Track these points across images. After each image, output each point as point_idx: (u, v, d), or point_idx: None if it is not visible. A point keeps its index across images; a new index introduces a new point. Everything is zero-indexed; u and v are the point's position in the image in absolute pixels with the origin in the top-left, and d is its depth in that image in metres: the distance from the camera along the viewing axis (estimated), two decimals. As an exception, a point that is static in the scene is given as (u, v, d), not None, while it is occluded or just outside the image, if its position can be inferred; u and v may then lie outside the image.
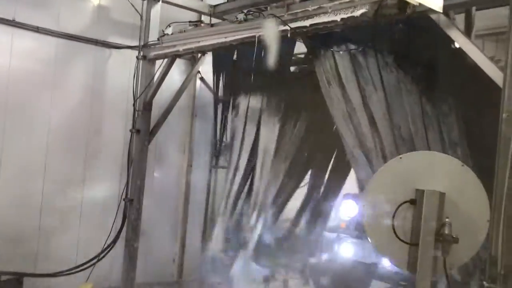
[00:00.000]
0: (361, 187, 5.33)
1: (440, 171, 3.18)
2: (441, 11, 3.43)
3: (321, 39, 4.79)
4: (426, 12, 3.67)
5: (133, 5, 6.40)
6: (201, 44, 5.43)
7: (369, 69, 4.80)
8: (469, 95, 4.53)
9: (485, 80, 3.64)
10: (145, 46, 6.34)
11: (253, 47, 4.89)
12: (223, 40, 5.04)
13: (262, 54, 5.26)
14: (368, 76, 4.81)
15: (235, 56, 6.45)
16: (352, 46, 4.79)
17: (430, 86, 4.64)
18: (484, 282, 3.25)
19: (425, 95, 4.61)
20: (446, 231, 2.95)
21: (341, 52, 4.78)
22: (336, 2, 4.19)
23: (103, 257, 6.43)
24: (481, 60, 3.58)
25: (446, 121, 4.57)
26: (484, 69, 3.53)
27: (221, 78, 6.72)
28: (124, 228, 6.42)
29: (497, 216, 3.17)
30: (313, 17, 4.33)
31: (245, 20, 4.62)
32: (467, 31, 4.98)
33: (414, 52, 4.69)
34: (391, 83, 4.66)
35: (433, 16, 3.75)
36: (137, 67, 6.40)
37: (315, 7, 4.33)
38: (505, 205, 3.16)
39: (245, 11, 4.73)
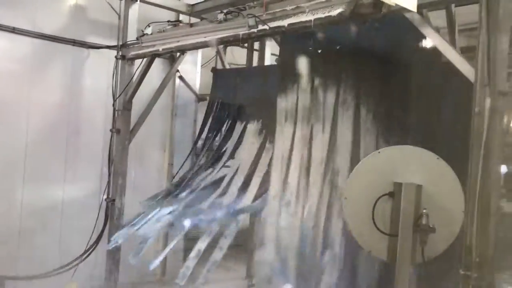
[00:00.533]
0: None
1: (416, 164, 3.31)
2: (415, 10, 3.55)
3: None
4: (400, 11, 3.78)
5: (110, 5, 6.40)
6: (181, 43, 5.46)
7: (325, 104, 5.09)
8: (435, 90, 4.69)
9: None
10: (124, 45, 6.35)
11: None
12: (202, 39, 5.10)
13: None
14: (321, 114, 5.08)
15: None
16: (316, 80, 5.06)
17: (392, 126, 4.82)
18: (460, 270, 3.39)
19: (383, 136, 4.79)
20: (424, 222, 3.07)
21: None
22: (313, 2, 4.28)
23: (86, 257, 6.43)
24: (454, 57, 3.70)
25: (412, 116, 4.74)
26: (456, 66, 3.66)
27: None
28: (107, 228, 6.43)
29: (471, 207, 3.30)
30: (291, 16, 4.42)
31: (225, 20, 4.68)
32: (450, 27, 5.11)
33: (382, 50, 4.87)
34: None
35: (407, 15, 3.86)
36: (116, 66, 6.41)
37: (293, 6, 4.41)
38: (479, 197, 3.30)
39: (224, 10, 4.78)
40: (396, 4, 3.40)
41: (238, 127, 6.44)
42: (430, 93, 4.66)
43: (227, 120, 6.75)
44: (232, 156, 6.26)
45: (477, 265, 3.30)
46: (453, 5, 4.97)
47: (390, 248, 3.21)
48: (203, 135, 7.00)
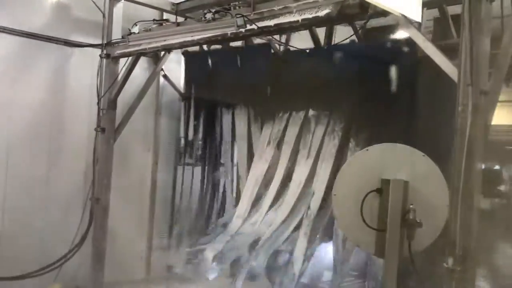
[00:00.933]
0: None
1: (403, 161, 3.42)
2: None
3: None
4: (386, 12, 3.88)
5: (95, 3, 6.35)
6: (168, 42, 5.48)
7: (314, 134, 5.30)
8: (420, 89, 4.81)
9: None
10: (109, 44, 6.33)
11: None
12: (190, 39, 5.12)
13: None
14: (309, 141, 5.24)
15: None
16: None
17: (382, 82, 4.94)
18: (444, 264, 3.50)
19: (378, 90, 4.91)
20: (411, 217, 3.17)
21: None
22: (301, 3, 4.36)
23: (71, 257, 6.38)
24: (439, 58, 3.81)
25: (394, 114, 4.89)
26: (440, 66, 3.77)
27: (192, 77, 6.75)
28: (91, 228, 6.40)
29: (455, 202, 3.43)
30: (279, 16, 4.48)
31: (213, 19, 4.72)
32: (444, 20, 5.20)
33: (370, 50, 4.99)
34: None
35: (393, 17, 3.96)
36: (100, 65, 6.38)
37: (281, 7, 4.48)
38: (462, 192, 3.42)
39: (212, 10, 4.82)
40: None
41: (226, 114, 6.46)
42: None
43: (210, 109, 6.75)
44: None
45: (461, 258, 3.42)
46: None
47: (378, 243, 3.30)
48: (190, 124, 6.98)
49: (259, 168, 5.86)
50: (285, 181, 5.63)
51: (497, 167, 5.28)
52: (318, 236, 5.16)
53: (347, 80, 5.08)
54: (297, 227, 5.33)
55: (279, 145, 5.75)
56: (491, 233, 4.40)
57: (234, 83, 6.30)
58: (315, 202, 5.25)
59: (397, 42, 4.46)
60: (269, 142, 5.85)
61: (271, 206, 5.65)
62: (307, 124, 5.51)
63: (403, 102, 4.78)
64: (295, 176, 5.50)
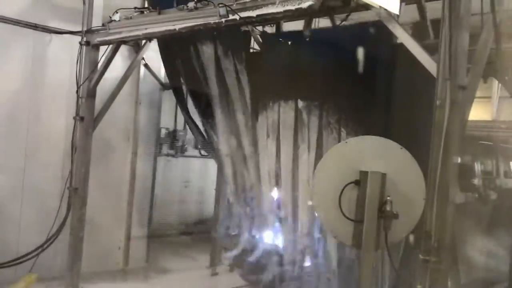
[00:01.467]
0: None
1: (381, 154, 3.46)
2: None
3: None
4: (368, 5, 3.91)
5: (75, -11, 6.25)
6: (149, 31, 5.41)
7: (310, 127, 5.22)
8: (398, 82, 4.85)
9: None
10: (89, 31, 6.23)
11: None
12: (171, 27, 5.07)
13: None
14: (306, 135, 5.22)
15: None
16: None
17: (360, 74, 4.96)
18: (420, 255, 3.56)
19: (354, 82, 4.94)
20: (388, 208, 3.22)
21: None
22: (284, -6, 4.34)
23: (48, 247, 6.31)
24: (418, 52, 3.86)
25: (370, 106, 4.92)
26: (420, 60, 3.81)
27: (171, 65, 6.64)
28: (69, 217, 6.33)
29: (431, 195, 3.48)
30: (262, 7, 4.47)
31: (195, 8, 4.68)
32: (422, 20, 5.25)
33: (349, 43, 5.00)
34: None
35: (375, 11, 3.99)
36: (80, 53, 6.29)
37: (264, -3, 4.47)
38: (438, 185, 3.47)
39: (194, -1, 4.77)
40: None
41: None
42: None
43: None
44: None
45: (436, 250, 3.48)
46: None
47: (356, 234, 3.34)
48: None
49: (267, 163, 5.80)
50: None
51: (471, 161, 5.40)
52: None
53: (328, 68, 5.03)
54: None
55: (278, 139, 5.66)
56: (465, 226, 4.49)
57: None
58: None
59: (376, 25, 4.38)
60: (268, 135, 5.78)
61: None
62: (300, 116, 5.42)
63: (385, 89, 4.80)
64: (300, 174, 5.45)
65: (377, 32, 4.33)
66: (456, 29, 3.51)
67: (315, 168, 5.14)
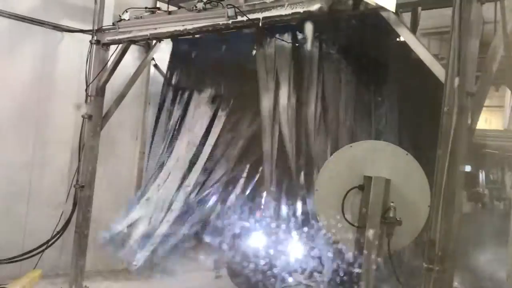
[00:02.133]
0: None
1: (386, 159, 3.42)
2: (393, 10, 3.64)
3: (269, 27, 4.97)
4: (377, 9, 3.87)
5: (86, -12, 6.29)
6: (158, 31, 5.43)
7: (312, 59, 5.08)
8: (406, 89, 4.82)
9: (424, 76, 3.90)
10: (99, 30, 6.26)
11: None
12: (181, 28, 5.08)
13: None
14: (307, 68, 5.08)
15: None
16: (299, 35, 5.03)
17: (369, 79, 4.93)
18: (423, 263, 3.50)
19: (362, 87, 4.90)
20: (391, 214, 3.18)
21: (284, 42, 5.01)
22: (292, -4, 4.33)
23: (52, 244, 6.33)
24: (426, 56, 3.81)
25: (377, 112, 4.88)
26: (428, 66, 3.77)
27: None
28: (74, 215, 6.35)
29: (436, 202, 3.42)
30: (270, 9, 4.45)
31: (204, 9, 4.68)
32: (413, 29, 5.25)
33: (358, 46, 4.96)
34: (331, 73, 4.93)
35: (383, 14, 3.95)
36: (90, 51, 6.32)
37: (272, 0, 4.45)
38: (444, 192, 3.41)
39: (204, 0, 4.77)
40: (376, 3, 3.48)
41: (195, 96, 6.37)
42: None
43: (184, 91, 6.64)
44: (188, 128, 6.22)
45: (440, 259, 3.42)
46: (419, 8, 5.11)
47: (358, 239, 3.30)
48: (166, 106, 6.82)
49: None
50: None
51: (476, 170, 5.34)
52: None
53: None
54: None
55: None
56: (469, 235, 4.43)
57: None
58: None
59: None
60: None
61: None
62: None
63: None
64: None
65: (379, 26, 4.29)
66: (466, 35, 3.46)
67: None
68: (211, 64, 6.12)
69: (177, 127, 6.36)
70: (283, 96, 5.15)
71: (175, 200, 5.88)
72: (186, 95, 6.41)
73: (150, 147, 6.61)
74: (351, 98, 4.87)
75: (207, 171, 6.03)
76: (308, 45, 5.08)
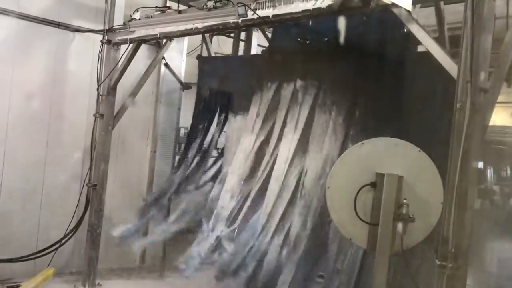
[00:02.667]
0: None
1: (398, 156, 3.40)
2: (409, 7, 3.62)
3: None
4: (389, 6, 3.85)
5: (97, -12, 6.33)
6: (169, 30, 5.45)
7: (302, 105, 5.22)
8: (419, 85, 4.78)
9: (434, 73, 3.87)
10: (110, 30, 6.30)
11: None
12: (191, 26, 5.09)
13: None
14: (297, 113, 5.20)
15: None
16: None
17: (383, 76, 4.92)
18: (436, 260, 3.49)
19: (377, 84, 4.89)
20: (404, 211, 3.16)
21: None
22: (303, -6, 4.31)
23: (65, 242, 6.40)
24: (438, 53, 3.79)
25: (392, 108, 4.85)
26: (440, 62, 3.74)
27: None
28: (87, 213, 6.41)
29: (449, 199, 3.40)
30: (281, 7, 4.44)
31: (214, 7, 4.69)
32: (439, 25, 5.19)
33: (373, 44, 4.95)
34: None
35: (395, 10, 3.93)
36: (101, 51, 6.37)
37: (283, -3, 4.44)
38: (457, 189, 3.39)
39: (213, -2, 4.78)
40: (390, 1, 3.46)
41: (230, 118, 6.44)
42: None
43: (216, 111, 6.75)
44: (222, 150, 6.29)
45: (453, 256, 3.40)
46: (442, 3, 5.05)
47: (371, 237, 3.29)
48: (193, 123, 6.97)
49: (247, 140, 5.77)
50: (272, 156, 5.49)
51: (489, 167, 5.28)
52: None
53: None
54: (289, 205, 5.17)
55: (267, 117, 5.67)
56: (480, 232, 4.38)
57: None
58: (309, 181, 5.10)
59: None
60: (258, 114, 5.77)
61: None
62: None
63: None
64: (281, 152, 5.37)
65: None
66: (479, 31, 3.43)
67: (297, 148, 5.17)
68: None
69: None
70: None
71: None
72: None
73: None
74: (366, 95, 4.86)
75: None
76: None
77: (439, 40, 4.54)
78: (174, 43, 7.09)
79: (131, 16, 5.75)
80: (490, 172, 5.31)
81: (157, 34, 5.67)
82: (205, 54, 7.56)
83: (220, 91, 6.70)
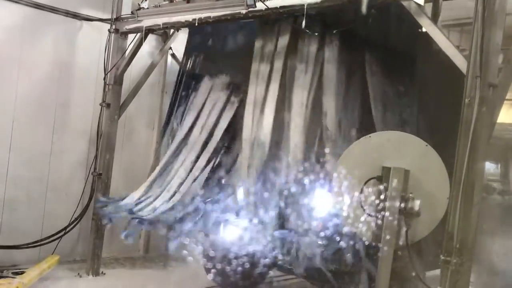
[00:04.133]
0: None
1: (405, 150, 3.39)
2: (422, 3, 3.60)
3: None
4: (398, -1, 3.83)
5: (105, -23, 6.32)
6: (177, 19, 5.43)
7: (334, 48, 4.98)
8: (428, 79, 4.76)
9: (446, 67, 3.85)
10: (118, 19, 6.29)
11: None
12: (199, 16, 5.08)
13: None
14: (331, 55, 4.97)
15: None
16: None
17: (393, 69, 4.88)
18: (441, 255, 3.48)
19: (387, 77, 4.85)
20: (409, 206, 3.16)
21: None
22: (313, -15, 4.28)
23: (70, 230, 6.43)
24: (448, 47, 3.77)
25: (401, 102, 4.83)
26: (450, 56, 3.72)
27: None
28: (92, 202, 6.43)
29: (455, 195, 3.39)
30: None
31: (223, -3, 4.68)
32: (434, 20, 5.16)
33: (382, 37, 4.91)
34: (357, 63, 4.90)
35: (405, 3, 3.91)
36: (108, 40, 6.36)
37: (292, -12, 4.41)
38: (463, 185, 3.38)
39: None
40: None
41: (207, 82, 6.26)
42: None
43: (199, 77, 6.56)
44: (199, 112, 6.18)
45: (458, 251, 3.40)
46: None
47: (376, 230, 3.29)
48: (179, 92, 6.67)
49: None
50: None
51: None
52: None
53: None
54: None
55: None
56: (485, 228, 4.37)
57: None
58: None
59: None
60: None
61: None
62: None
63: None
64: None
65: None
66: (489, 25, 3.40)
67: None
68: (227, 50, 6.07)
69: (190, 112, 6.29)
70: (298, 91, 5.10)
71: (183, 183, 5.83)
72: (201, 80, 6.35)
73: (164, 131, 6.59)
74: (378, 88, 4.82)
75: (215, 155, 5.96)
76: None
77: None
78: (181, 34, 7.07)
79: (139, 5, 5.73)
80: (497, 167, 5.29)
81: (165, 24, 5.66)
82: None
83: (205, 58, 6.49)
